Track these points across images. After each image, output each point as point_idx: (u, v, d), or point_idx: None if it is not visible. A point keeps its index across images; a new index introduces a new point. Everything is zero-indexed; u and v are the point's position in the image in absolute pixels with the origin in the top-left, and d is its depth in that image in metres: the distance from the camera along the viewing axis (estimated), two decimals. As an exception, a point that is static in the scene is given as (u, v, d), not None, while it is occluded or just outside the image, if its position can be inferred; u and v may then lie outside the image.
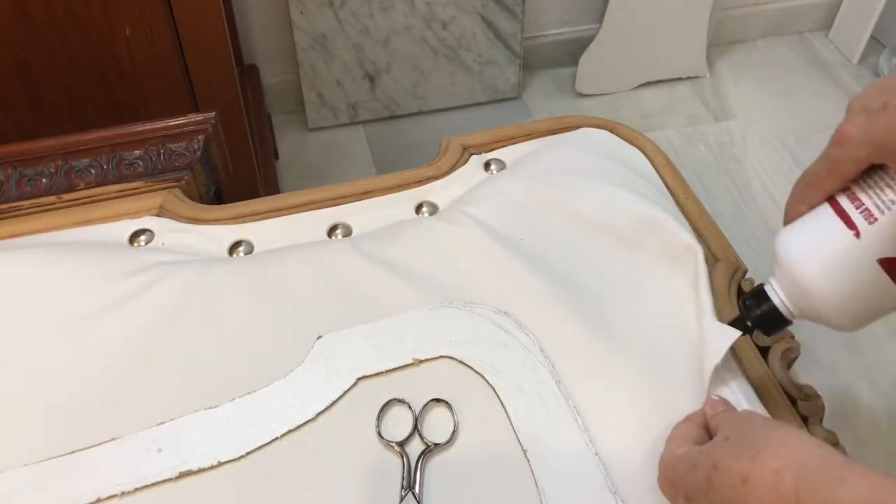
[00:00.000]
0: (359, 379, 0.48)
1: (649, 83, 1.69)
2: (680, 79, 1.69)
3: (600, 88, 1.68)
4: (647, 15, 1.59)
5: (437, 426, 0.46)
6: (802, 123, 1.57)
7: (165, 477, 0.43)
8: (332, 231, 0.58)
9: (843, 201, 0.40)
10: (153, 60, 0.86)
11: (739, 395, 0.47)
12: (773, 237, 0.42)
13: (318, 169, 1.52)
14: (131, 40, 0.84)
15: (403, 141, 1.56)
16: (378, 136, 1.58)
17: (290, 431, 0.45)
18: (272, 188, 1.33)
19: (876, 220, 0.39)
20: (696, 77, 1.70)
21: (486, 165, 0.64)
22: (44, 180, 0.61)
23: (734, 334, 0.47)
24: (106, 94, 0.88)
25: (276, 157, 1.51)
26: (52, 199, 0.60)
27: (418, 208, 0.60)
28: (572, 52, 1.67)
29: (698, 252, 0.52)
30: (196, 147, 0.63)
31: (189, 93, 0.91)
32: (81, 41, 0.83)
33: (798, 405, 0.48)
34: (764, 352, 0.51)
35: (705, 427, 0.42)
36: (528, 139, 0.66)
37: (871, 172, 0.40)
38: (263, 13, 1.49)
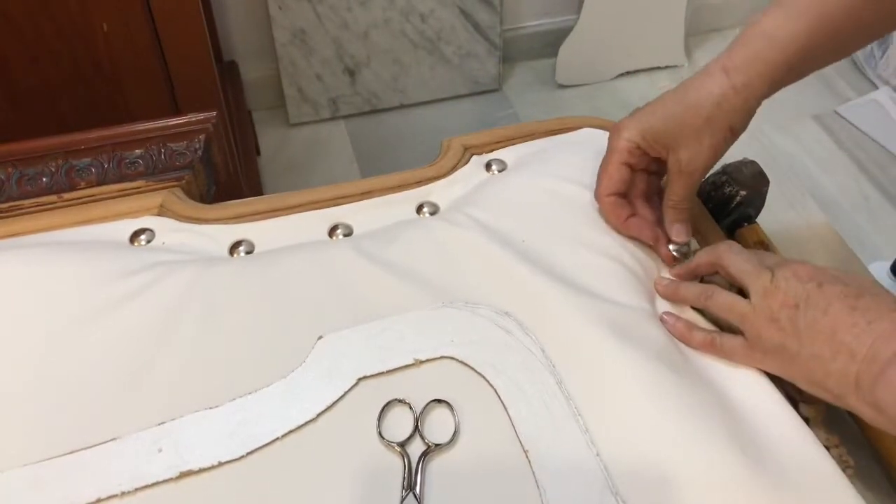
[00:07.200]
0: (360, 379, 0.47)
1: (629, 73, 1.70)
2: (659, 68, 1.70)
3: (580, 79, 1.69)
4: (624, 5, 1.60)
5: (437, 427, 0.46)
6: (778, 111, 1.58)
7: (166, 477, 0.43)
8: (332, 231, 0.58)
9: None
10: (131, 56, 0.86)
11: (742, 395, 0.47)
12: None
13: (301, 164, 1.52)
14: (109, 36, 0.84)
15: (385, 135, 1.56)
16: (359, 131, 1.58)
17: (290, 431, 0.45)
18: (254, 185, 1.33)
19: None
20: (675, 66, 1.70)
21: (488, 166, 0.64)
22: (44, 179, 0.60)
23: None
24: (84, 91, 0.88)
25: (258, 153, 1.51)
26: (52, 198, 0.60)
27: (419, 208, 0.60)
28: (552, 43, 1.68)
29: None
30: (197, 146, 0.63)
31: (168, 89, 0.90)
32: (58, 37, 0.83)
33: (800, 407, 0.48)
34: (765, 353, 0.50)
35: None
36: (530, 139, 0.66)
37: None
38: (241, 9, 1.49)
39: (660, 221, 0.56)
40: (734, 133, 0.50)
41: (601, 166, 0.55)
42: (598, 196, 0.56)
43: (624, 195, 0.55)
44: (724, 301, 0.48)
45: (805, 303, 0.43)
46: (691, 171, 0.52)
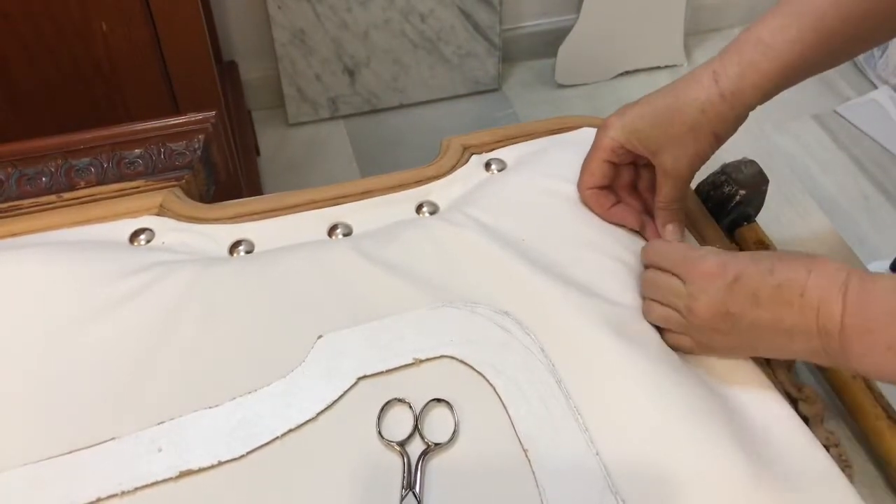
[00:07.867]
0: (359, 378, 0.48)
1: (628, 72, 1.70)
2: (658, 67, 1.70)
3: (580, 79, 1.69)
4: (624, 5, 1.60)
5: (437, 426, 0.46)
6: (778, 110, 1.58)
7: (165, 476, 0.43)
8: (332, 231, 0.58)
9: None
10: (130, 56, 0.86)
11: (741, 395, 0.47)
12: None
13: (300, 164, 1.52)
14: (108, 36, 0.84)
15: (384, 134, 1.56)
16: (359, 131, 1.58)
17: (290, 431, 0.45)
18: (254, 185, 1.33)
19: None
20: (675, 66, 1.70)
21: (487, 165, 0.64)
22: (44, 179, 0.60)
23: None
24: (84, 90, 0.88)
25: (258, 153, 1.51)
26: (52, 197, 0.60)
27: (419, 208, 0.60)
28: (551, 42, 1.68)
29: None
30: (196, 146, 0.63)
31: (168, 88, 0.90)
32: (58, 37, 0.83)
33: (799, 406, 0.48)
34: (765, 352, 0.50)
35: None
36: (529, 139, 0.66)
37: None
38: (241, 9, 1.49)
39: (646, 210, 0.57)
40: (719, 139, 0.51)
41: (584, 161, 0.56)
42: (579, 189, 0.57)
43: (606, 187, 0.57)
44: (660, 316, 0.49)
45: (734, 305, 0.44)
46: (677, 176, 0.52)
